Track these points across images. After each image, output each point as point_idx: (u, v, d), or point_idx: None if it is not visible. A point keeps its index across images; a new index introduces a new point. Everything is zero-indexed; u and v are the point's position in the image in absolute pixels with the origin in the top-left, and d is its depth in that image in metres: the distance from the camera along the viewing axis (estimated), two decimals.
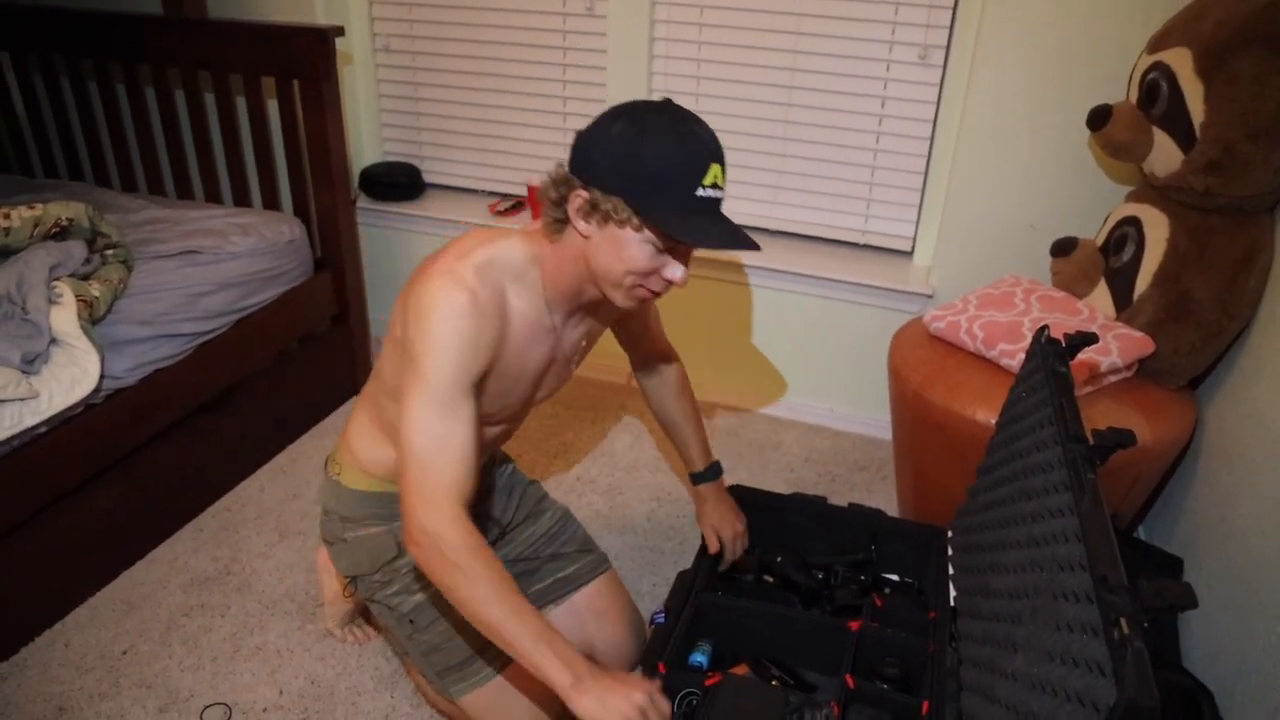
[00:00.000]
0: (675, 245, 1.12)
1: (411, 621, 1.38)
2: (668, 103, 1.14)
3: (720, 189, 1.10)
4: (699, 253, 2.43)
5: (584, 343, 1.38)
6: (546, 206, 1.17)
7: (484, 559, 1.09)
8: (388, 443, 1.36)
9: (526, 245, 1.21)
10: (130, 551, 1.90)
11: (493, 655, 1.35)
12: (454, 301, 1.11)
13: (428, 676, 1.39)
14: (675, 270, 1.15)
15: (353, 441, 1.40)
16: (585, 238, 1.14)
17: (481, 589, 1.08)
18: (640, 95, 2.37)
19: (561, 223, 1.17)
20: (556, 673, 1.05)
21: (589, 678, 1.05)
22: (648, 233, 1.10)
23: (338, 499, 1.42)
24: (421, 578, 1.38)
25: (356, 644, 1.71)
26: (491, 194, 2.72)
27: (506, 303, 1.19)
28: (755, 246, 1.12)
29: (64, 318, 1.70)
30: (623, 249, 1.11)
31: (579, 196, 1.12)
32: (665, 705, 1.09)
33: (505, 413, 1.35)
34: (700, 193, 1.08)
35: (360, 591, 1.44)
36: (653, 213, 1.08)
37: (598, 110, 2.62)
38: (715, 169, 1.09)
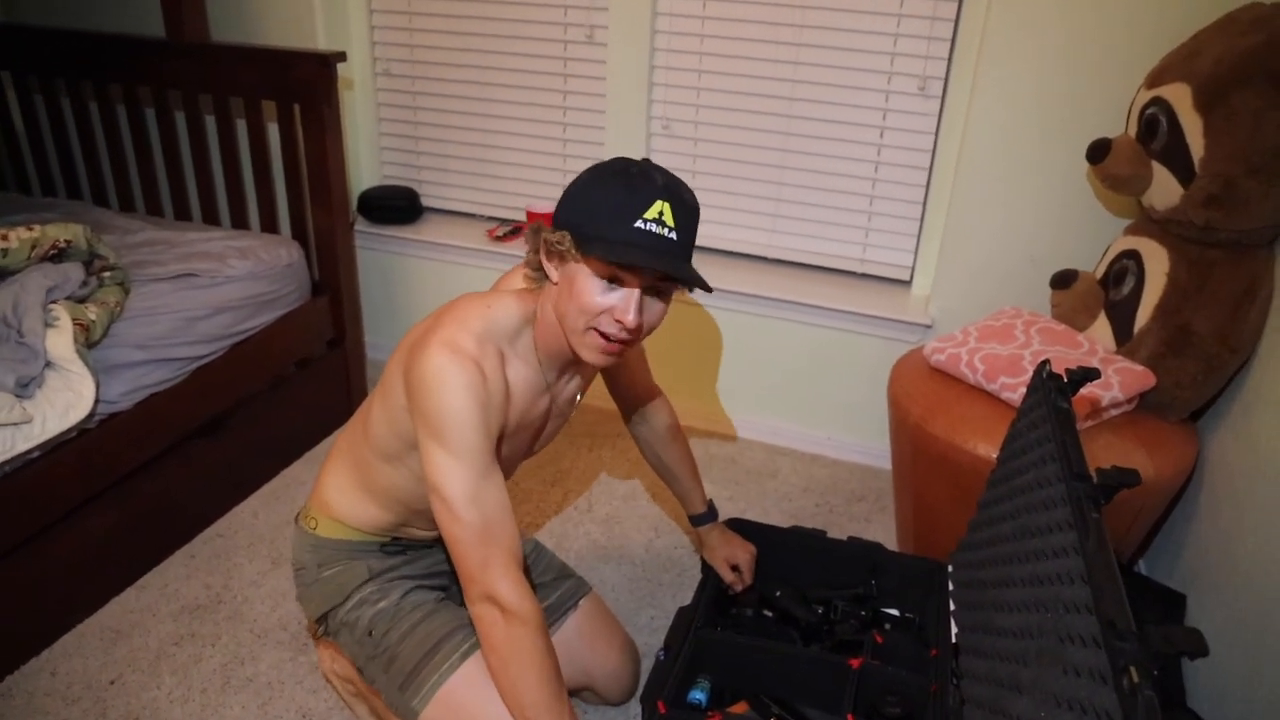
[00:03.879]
0: (618, 276, 1.11)
1: (370, 634, 1.37)
2: (644, 160, 1.16)
3: (668, 226, 1.09)
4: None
5: (578, 396, 1.41)
6: (528, 258, 1.21)
7: (546, 638, 1.19)
8: (371, 501, 1.38)
9: (520, 306, 1.24)
10: (120, 578, 1.88)
11: (447, 653, 1.32)
12: (463, 373, 1.14)
13: (395, 705, 1.35)
14: (625, 311, 1.11)
15: (330, 499, 1.41)
16: (556, 284, 1.17)
17: (529, 675, 1.17)
18: (639, 122, 2.38)
19: (540, 271, 1.20)
20: None
21: None
22: (590, 265, 1.11)
23: (314, 549, 1.42)
24: (383, 593, 1.39)
25: None
26: (490, 219, 2.72)
27: (507, 367, 1.22)
28: (685, 277, 1.10)
29: (60, 341, 1.69)
30: (574, 284, 1.12)
31: (542, 240, 1.16)
32: None
33: (504, 470, 1.37)
34: (640, 225, 1.08)
35: (330, 626, 1.43)
36: (590, 242, 1.09)
37: (597, 136, 2.65)
38: (661, 205, 1.08)
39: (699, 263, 2.54)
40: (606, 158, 1.19)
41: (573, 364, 1.32)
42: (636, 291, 1.11)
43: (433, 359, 1.14)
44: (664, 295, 1.16)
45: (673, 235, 1.09)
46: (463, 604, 1.45)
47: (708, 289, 1.14)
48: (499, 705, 1.26)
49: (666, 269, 1.08)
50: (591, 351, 1.15)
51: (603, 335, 1.13)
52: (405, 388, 1.21)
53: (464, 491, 1.14)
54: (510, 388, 1.23)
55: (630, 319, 1.11)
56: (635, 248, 1.07)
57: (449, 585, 1.51)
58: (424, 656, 1.32)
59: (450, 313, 1.21)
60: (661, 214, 1.08)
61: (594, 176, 1.14)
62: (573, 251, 1.11)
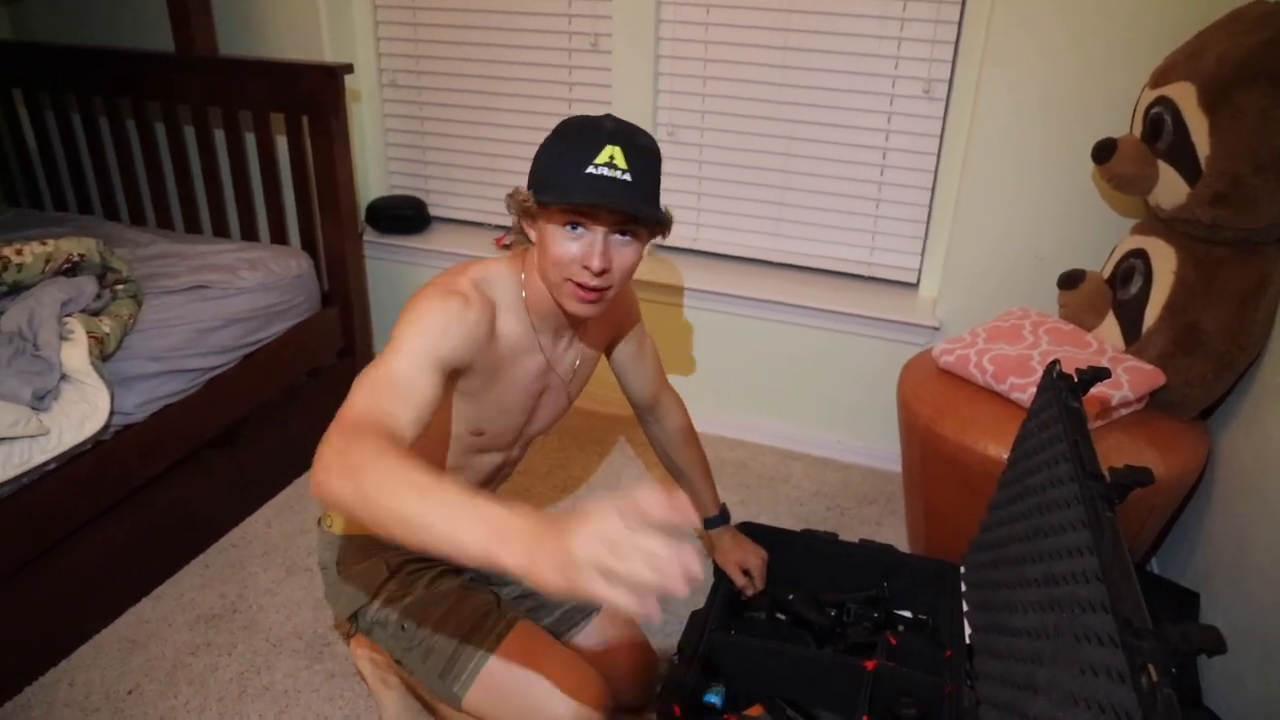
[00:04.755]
0: (579, 223, 1.14)
1: (403, 627, 1.38)
2: (602, 115, 1.19)
3: (620, 169, 1.11)
4: (703, 285, 2.44)
5: (578, 364, 1.42)
6: (512, 225, 1.25)
7: (378, 445, 0.91)
8: None
9: (513, 270, 1.28)
10: (136, 588, 1.89)
11: (481, 637, 1.34)
12: (445, 301, 1.16)
13: (438, 692, 1.36)
14: (590, 256, 1.13)
15: None
16: (534, 244, 1.22)
17: (375, 475, 0.86)
18: (645, 128, 2.37)
19: (522, 235, 1.24)
20: (473, 534, 0.78)
21: (519, 526, 0.77)
22: (551, 217, 1.15)
23: (333, 548, 1.45)
24: (407, 587, 1.40)
25: None
26: (497, 227, 2.73)
27: (498, 317, 1.24)
28: (636, 213, 1.12)
29: (75, 354, 1.70)
30: (546, 239, 1.17)
31: (516, 205, 1.19)
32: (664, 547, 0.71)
33: (501, 437, 1.39)
34: (591, 170, 1.11)
35: (360, 626, 1.44)
36: (546, 193, 1.13)
37: None
38: (611, 150, 1.11)
39: (703, 266, 2.54)
40: None
41: (567, 328, 1.34)
42: (599, 235, 1.14)
43: (419, 294, 1.17)
44: (633, 239, 1.18)
45: (626, 177, 1.12)
46: (490, 583, 1.47)
47: (668, 223, 1.18)
48: (539, 684, 1.28)
49: (617, 206, 1.11)
50: (571, 302, 1.19)
51: (578, 284, 1.17)
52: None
53: (370, 370, 1.05)
54: (499, 334, 1.24)
55: (595, 263, 1.13)
56: (585, 190, 1.11)
57: (478, 574, 1.51)
58: (460, 643, 1.33)
59: (449, 269, 1.26)
60: (612, 158, 1.11)
61: (550, 137, 1.18)
62: (534, 206, 1.15)
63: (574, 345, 1.40)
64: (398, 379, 1.06)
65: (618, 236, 1.16)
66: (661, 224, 1.19)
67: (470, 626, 1.35)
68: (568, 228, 1.14)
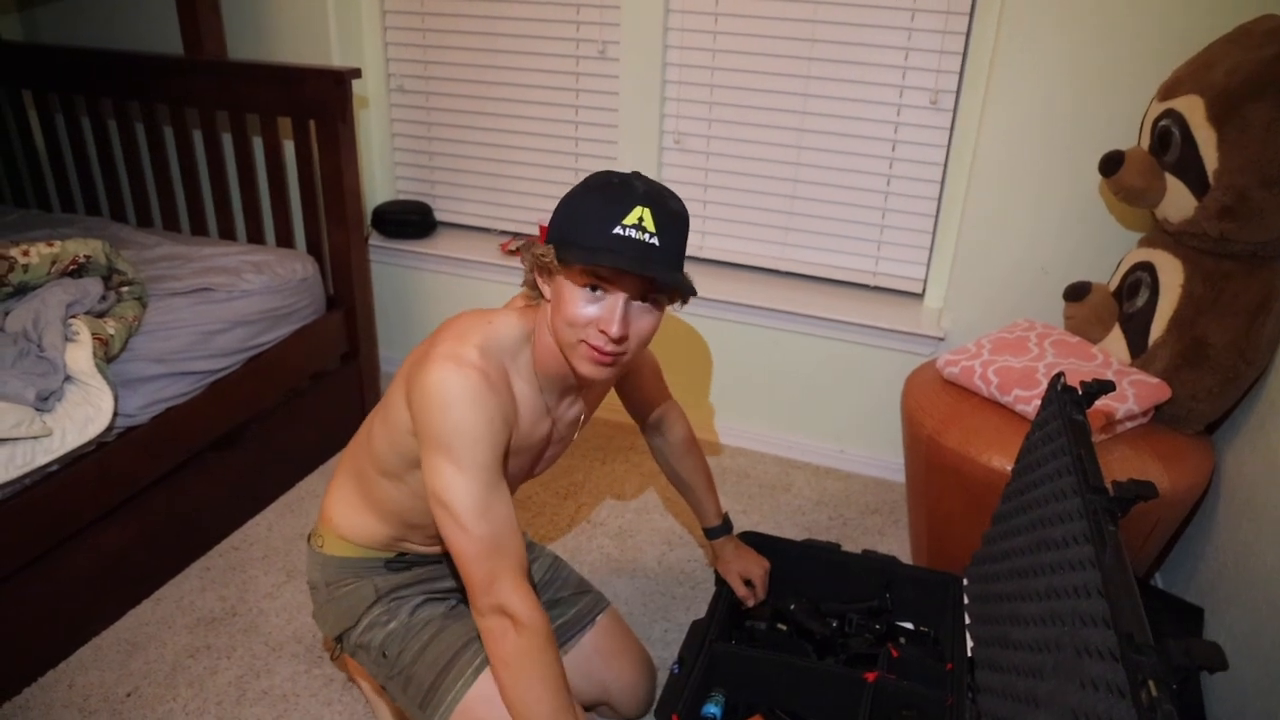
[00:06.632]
0: (600, 285, 1.09)
1: (385, 655, 1.38)
2: (631, 172, 1.14)
3: (649, 231, 1.07)
4: (708, 294, 2.44)
5: (580, 419, 1.39)
6: (525, 277, 1.21)
7: (555, 649, 1.17)
8: (372, 514, 1.38)
9: (520, 323, 1.23)
10: (137, 590, 1.89)
11: (460, 669, 1.32)
12: (469, 384, 1.12)
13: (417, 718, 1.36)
14: (609, 321, 1.09)
15: (334, 515, 1.42)
16: (549, 301, 1.17)
17: (538, 686, 1.15)
18: (652, 135, 2.39)
19: (535, 290, 1.20)
20: None
21: None
22: (571, 275, 1.10)
23: (322, 568, 1.43)
24: (392, 613, 1.40)
25: None
26: (503, 233, 2.73)
27: (510, 381, 1.21)
28: (663, 279, 1.07)
29: (79, 356, 1.71)
30: (562, 297, 1.12)
31: (533, 257, 1.15)
32: None
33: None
34: (619, 231, 1.06)
35: (345, 647, 1.44)
36: (568, 251, 1.08)
37: (609, 150, 2.65)
38: (641, 211, 1.07)
39: (708, 274, 2.55)
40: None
41: (573, 388, 1.30)
42: (620, 300, 1.09)
43: (435, 373, 1.13)
44: (655, 305, 1.13)
45: (654, 240, 1.07)
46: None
47: (691, 293, 1.12)
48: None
49: (643, 271, 1.05)
50: (585, 364, 1.14)
51: (593, 347, 1.12)
52: (409, 407, 1.19)
53: (472, 505, 1.13)
54: (515, 401, 1.22)
55: (614, 329, 1.08)
56: (611, 253, 1.05)
57: (462, 599, 1.51)
58: (438, 675, 1.32)
59: (450, 328, 1.20)
60: (641, 219, 1.06)
61: (578, 191, 1.13)
62: (554, 263, 1.11)
63: (576, 403, 1.36)
64: (504, 515, 1.16)
65: (637, 303, 1.11)
66: (683, 292, 1.12)
67: (450, 659, 1.33)
68: (587, 288, 1.09)
